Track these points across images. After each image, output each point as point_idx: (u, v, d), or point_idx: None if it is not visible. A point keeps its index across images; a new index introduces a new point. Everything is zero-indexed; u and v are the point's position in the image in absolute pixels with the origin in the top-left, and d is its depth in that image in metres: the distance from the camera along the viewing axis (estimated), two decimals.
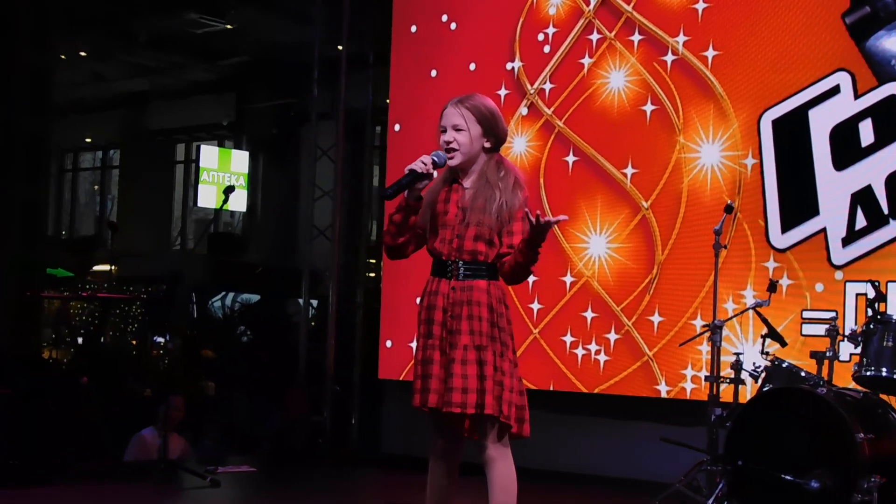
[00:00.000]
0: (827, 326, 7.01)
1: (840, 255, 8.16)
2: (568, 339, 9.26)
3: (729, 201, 7.91)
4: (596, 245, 9.25)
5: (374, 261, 13.37)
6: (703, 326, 7.77)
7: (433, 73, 10.23)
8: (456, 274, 4.88)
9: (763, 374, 7.05)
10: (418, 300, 5.08)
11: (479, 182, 4.90)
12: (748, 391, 7.59)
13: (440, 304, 4.90)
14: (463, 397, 4.73)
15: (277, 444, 10.87)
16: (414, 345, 9.95)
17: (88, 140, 26.40)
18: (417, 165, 4.80)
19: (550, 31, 9.59)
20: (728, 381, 7.31)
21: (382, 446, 10.73)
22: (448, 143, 4.89)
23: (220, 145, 23.35)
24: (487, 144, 4.93)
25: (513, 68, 9.77)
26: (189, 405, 10.31)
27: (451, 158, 4.89)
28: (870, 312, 6.81)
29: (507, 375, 4.80)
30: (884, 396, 6.86)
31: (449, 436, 4.93)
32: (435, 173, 4.89)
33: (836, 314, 7.81)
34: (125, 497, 7.86)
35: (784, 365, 6.98)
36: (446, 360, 4.82)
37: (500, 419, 4.77)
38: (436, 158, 4.85)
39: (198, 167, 21.76)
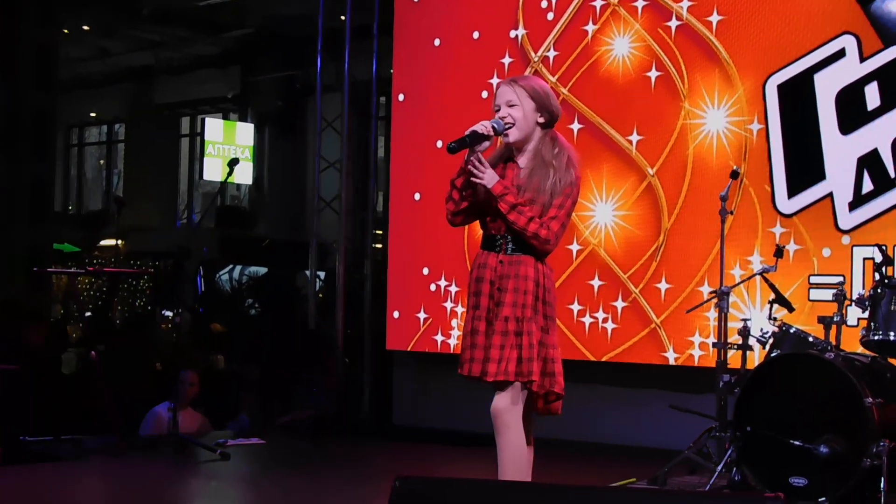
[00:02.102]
0: (834, 291, 6.99)
1: (847, 219, 8.15)
2: (575, 307, 9.26)
3: (735, 167, 7.89)
4: (602, 213, 9.23)
5: (380, 232, 13.36)
6: (711, 293, 7.76)
7: (437, 42, 10.20)
8: (504, 248, 4.99)
9: (771, 340, 7.04)
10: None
11: (534, 161, 5.02)
12: (756, 357, 7.58)
13: (488, 276, 5.00)
14: (498, 367, 4.86)
15: (316, 416, 10.85)
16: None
17: (94, 115, 26.43)
18: (479, 127, 4.93)
19: None
20: (736, 347, 7.30)
21: (393, 418, 10.74)
22: (503, 119, 5.01)
23: (225, 118, 23.36)
24: (541, 120, 5.05)
25: (516, 36, 9.73)
26: (205, 380, 10.31)
27: (506, 135, 5.01)
28: (877, 276, 6.79)
29: (549, 348, 4.94)
30: (892, 361, 6.84)
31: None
32: (492, 138, 4.98)
33: (844, 279, 7.79)
34: (135, 471, 7.89)
35: (792, 330, 6.97)
36: (491, 331, 4.93)
37: (531, 388, 4.89)
38: (495, 125, 4.97)
39: (203, 140, 21.78)
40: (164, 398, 9.74)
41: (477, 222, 5.17)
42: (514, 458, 4.88)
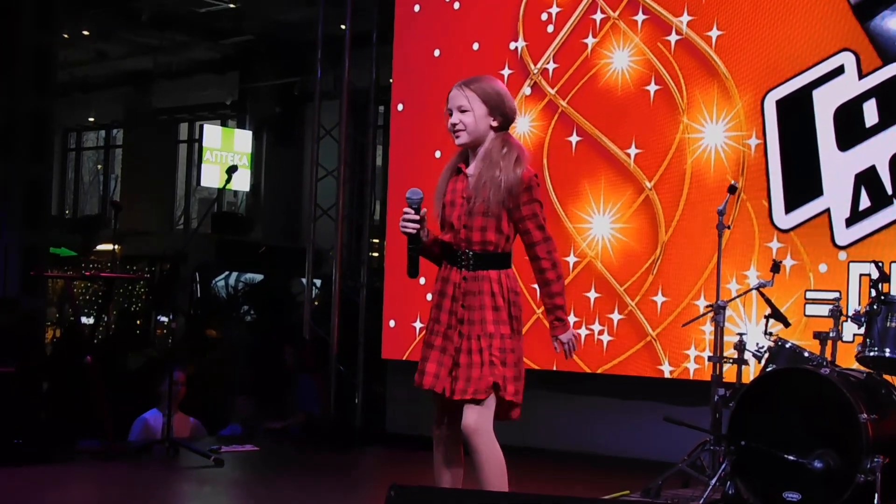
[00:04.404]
0: (830, 307, 7.00)
1: (844, 235, 8.16)
2: (571, 319, 9.24)
3: (732, 181, 7.91)
4: (599, 225, 9.24)
5: (377, 240, 13.37)
6: (707, 307, 7.76)
7: (436, 52, 10.21)
8: (467, 264, 4.91)
9: (766, 355, 7.05)
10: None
11: (482, 164, 4.92)
12: (751, 371, 7.60)
13: (450, 291, 4.93)
14: (466, 385, 4.78)
15: (308, 423, 10.85)
16: (419, 325, 10.01)
17: (92, 119, 26.39)
18: (409, 227, 4.87)
19: (554, 10, 9.57)
20: (731, 361, 7.31)
21: (387, 426, 10.74)
22: (454, 125, 4.95)
23: (224, 124, 23.34)
24: (495, 123, 4.96)
25: (516, 48, 9.75)
26: (197, 384, 10.30)
27: (457, 138, 4.95)
28: (873, 293, 6.80)
29: (507, 353, 4.83)
30: (887, 377, 6.85)
31: (451, 420, 4.93)
32: (423, 215, 4.90)
33: (840, 295, 7.84)
34: (128, 476, 7.88)
35: (787, 345, 6.98)
36: (453, 348, 4.86)
37: (503, 399, 4.82)
38: (413, 206, 4.89)
39: (201, 146, 21.75)
40: (154, 404, 9.70)
41: None
42: (495, 475, 4.82)
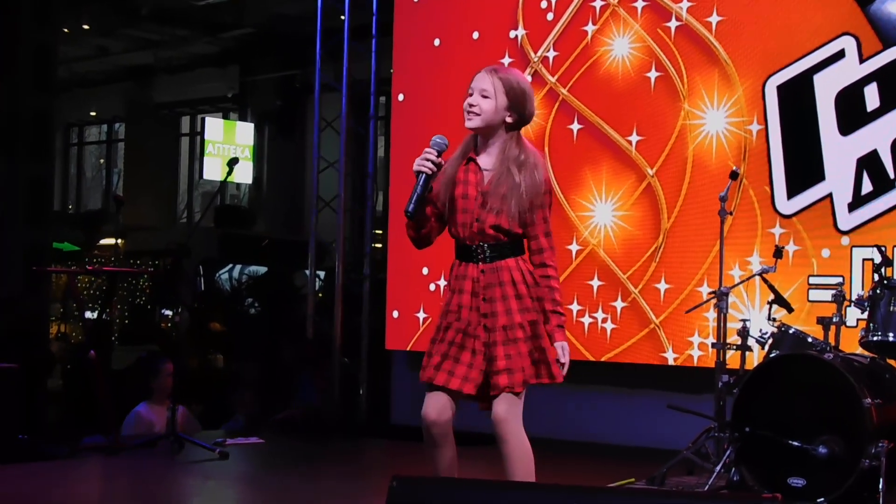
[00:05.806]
0: (833, 292, 6.98)
1: (846, 220, 8.15)
2: (574, 307, 9.25)
3: (734, 167, 7.89)
4: (601, 213, 9.23)
5: (380, 231, 13.36)
6: (710, 293, 7.74)
7: (436, 42, 10.19)
8: (483, 257, 4.86)
9: (770, 341, 7.04)
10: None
11: (500, 167, 4.85)
12: (755, 358, 7.58)
13: (468, 288, 4.86)
14: (510, 378, 4.75)
15: (311, 413, 10.85)
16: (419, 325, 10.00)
17: (93, 114, 26.43)
18: (424, 167, 4.79)
19: None
20: (735, 347, 7.29)
21: (391, 417, 10.74)
22: (471, 105, 4.87)
23: (225, 117, 23.36)
24: (509, 119, 4.88)
25: (516, 36, 9.72)
26: (202, 377, 10.29)
27: (468, 120, 4.88)
28: (876, 277, 6.79)
29: (540, 338, 4.82)
30: (891, 361, 6.84)
31: (448, 416, 4.94)
32: (442, 161, 4.85)
33: (843, 279, 7.82)
34: (133, 470, 7.88)
35: (791, 331, 6.97)
36: (481, 344, 4.81)
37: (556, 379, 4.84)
38: (436, 149, 4.83)
39: (202, 140, 21.80)
40: (144, 397, 9.68)
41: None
42: (525, 461, 4.84)
